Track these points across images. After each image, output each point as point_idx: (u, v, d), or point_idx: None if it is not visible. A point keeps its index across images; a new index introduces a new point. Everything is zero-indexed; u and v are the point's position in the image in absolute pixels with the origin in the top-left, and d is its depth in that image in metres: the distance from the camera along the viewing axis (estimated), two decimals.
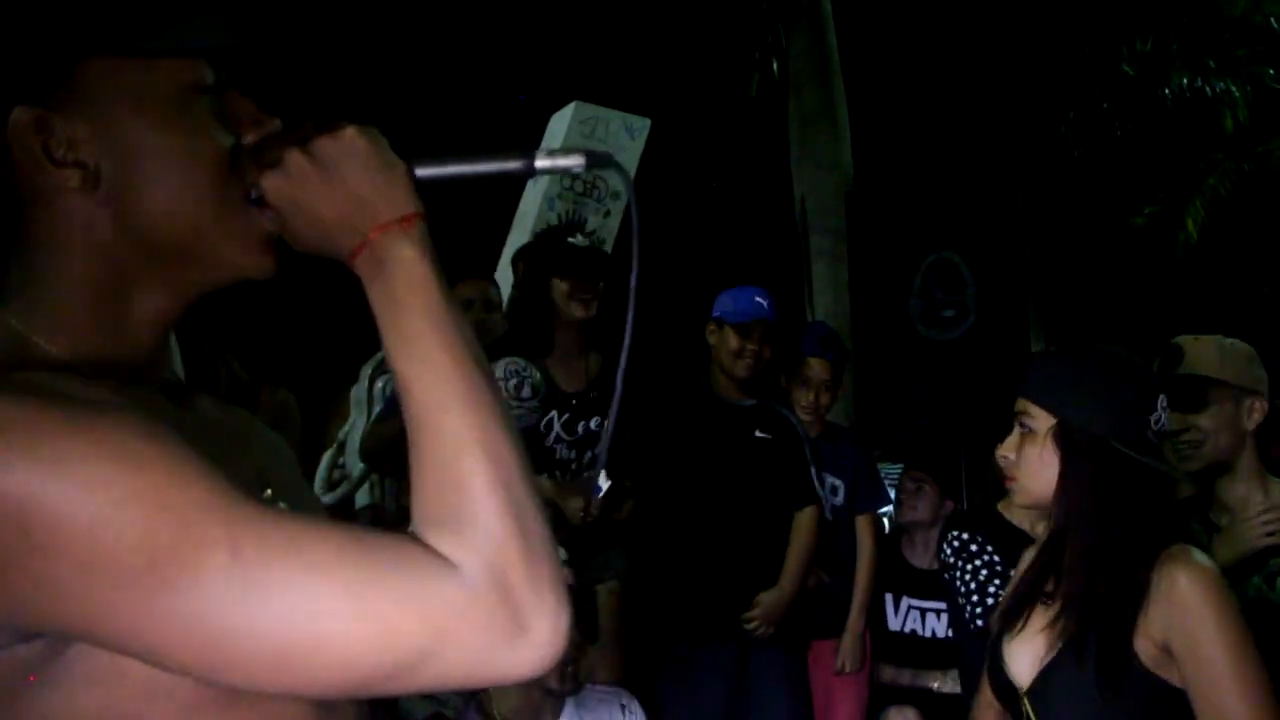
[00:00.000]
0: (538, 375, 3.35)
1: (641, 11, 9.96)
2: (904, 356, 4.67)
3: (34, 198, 0.87)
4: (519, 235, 5.60)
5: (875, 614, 4.12)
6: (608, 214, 5.94)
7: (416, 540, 0.80)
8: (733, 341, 3.75)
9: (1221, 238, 10.17)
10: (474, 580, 0.78)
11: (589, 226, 5.93)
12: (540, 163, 0.96)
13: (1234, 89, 9.93)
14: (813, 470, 3.90)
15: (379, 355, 5.71)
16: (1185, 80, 9.99)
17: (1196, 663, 1.74)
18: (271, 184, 0.92)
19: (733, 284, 3.94)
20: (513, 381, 3.29)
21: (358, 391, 5.61)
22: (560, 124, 6.00)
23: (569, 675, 2.64)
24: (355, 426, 5.55)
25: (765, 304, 3.77)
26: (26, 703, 0.78)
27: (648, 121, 6.07)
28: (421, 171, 0.94)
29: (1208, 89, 9.99)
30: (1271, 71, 9.93)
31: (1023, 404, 2.00)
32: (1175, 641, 1.76)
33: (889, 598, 4.13)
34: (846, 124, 8.63)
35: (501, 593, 0.78)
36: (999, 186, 5.36)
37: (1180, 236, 10.16)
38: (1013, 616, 1.98)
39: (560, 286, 3.45)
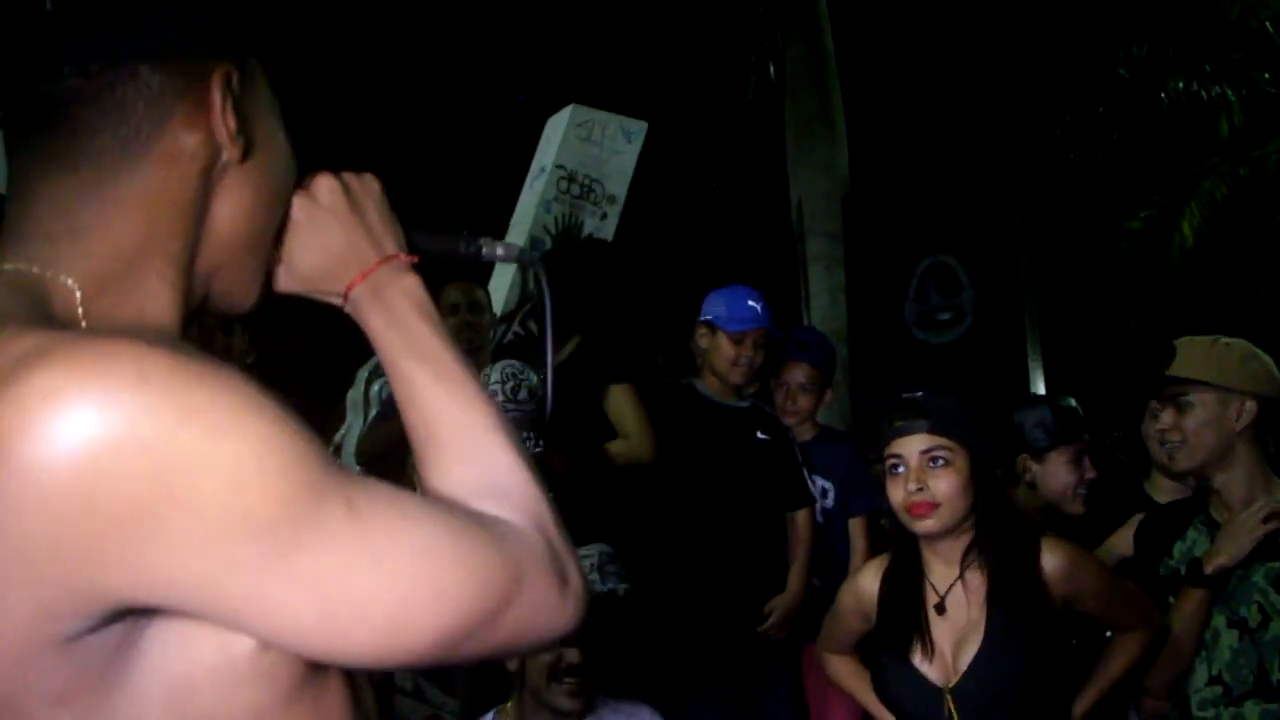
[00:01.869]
0: (534, 378, 3.36)
1: (639, 15, 9.97)
2: (900, 360, 4.67)
3: (164, 157, 0.83)
4: (515, 238, 5.61)
5: None
6: (604, 216, 5.94)
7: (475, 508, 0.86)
8: (728, 349, 3.73)
9: (1217, 241, 10.19)
10: (527, 531, 0.86)
11: (585, 229, 5.94)
12: (484, 250, 1.12)
13: (1230, 93, 9.95)
14: (805, 471, 3.91)
15: (375, 359, 5.71)
16: (1181, 84, 10.02)
17: (1097, 596, 2.35)
18: (299, 201, 0.97)
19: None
20: (509, 384, 3.30)
21: (354, 395, 5.61)
22: (557, 127, 6.01)
23: (581, 693, 2.56)
24: (351, 430, 5.55)
25: (759, 309, 3.75)
26: (106, 695, 0.73)
27: (644, 124, 6.08)
28: (414, 237, 1.05)
29: (1203, 93, 10.02)
30: (1267, 76, 9.96)
31: (931, 439, 2.29)
32: (1074, 589, 2.30)
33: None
34: (843, 128, 8.64)
35: (548, 545, 0.87)
36: (995, 190, 5.37)
37: (1176, 240, 10.18)
38: (910, 636, 2.34)
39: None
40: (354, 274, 0.98)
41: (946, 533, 2.31)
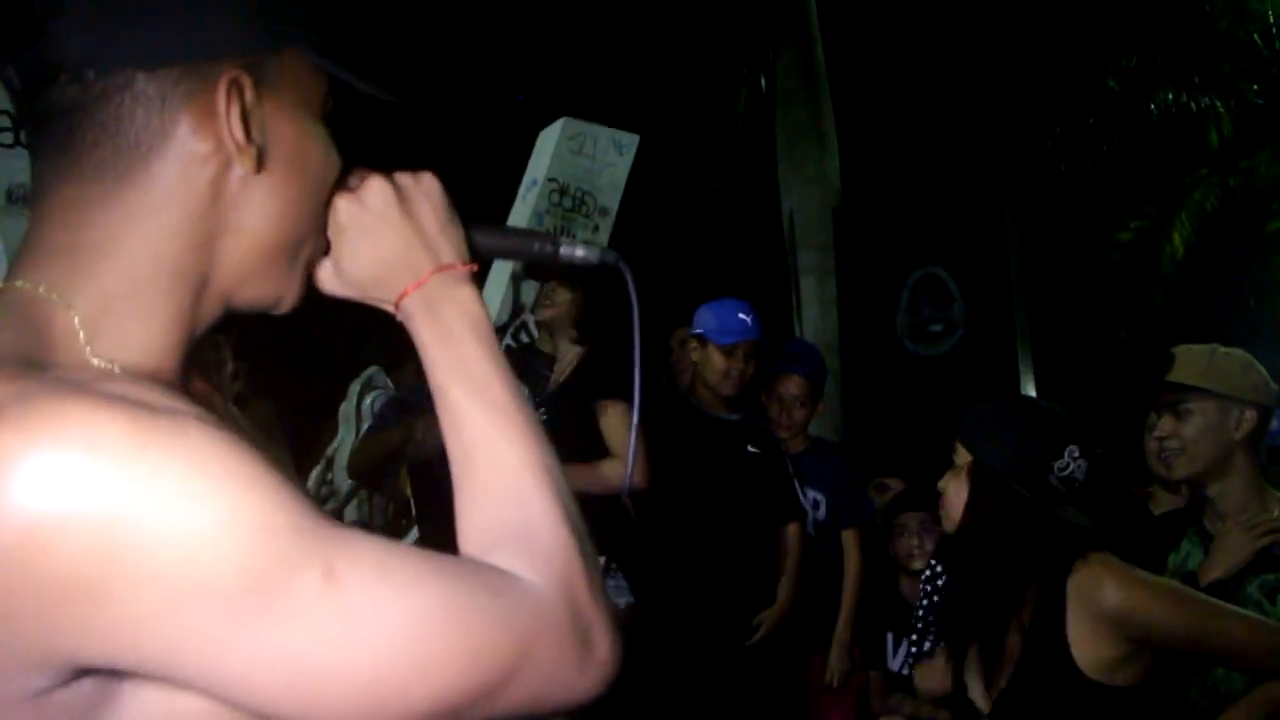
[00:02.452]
0: (525, 391, 3.36)
1: (630, 27, 9.99)
2: (892, 372, 4.67)
3: (176, 163, 0.79)
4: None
5: (875, 653, 4.05)
6: (596, 229, 5.95)
7: (483, 562, 0.80)
8: (718, 362, 3.74)
9: (1207, 252, 10.22)
10: (548, 596, 0.78)
11: (579, 239, 5.95)
12: (563, 251, 1.03)
13: (1218, 104, 9.99)
14: (797, 484, 3.92)
15: (368, 372, 5.71)
16: (1170, 96, 10.06)
17: (1186, 632, 2.02)
18: (346, 205, 0.92)
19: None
20: None
21: (346, 408, 5.61)
22: (549, 139, 6.01)
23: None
24: (343, 443, 5.55)
25: (749, 321, 3.76)
26: None
27: (636, 137, 6.09)
28: (476, 234, 0.99)
29: (1193, 104, 10.06)
30: (1255, 87, 10.00)
31: (956, 444, 2.25)
32: (1140, 635, 2.02)
33: (890, 637, 4.06)
34: (834, 140, 8.66)
35: (572, 608, 0.79)
36: (986, 202, 5.39)
37: (1166, 251, 10.20)
38: (961, 641, 2.23)
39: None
40: (406, 283, 0.93)
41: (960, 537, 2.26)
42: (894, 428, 4.64)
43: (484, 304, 0.95)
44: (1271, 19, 10.00)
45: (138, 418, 0.67)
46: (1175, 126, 10.19)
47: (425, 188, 0.95)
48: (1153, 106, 10.13)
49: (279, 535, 0.69)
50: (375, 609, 0.70)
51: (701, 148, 10.67)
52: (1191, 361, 2.56)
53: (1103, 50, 10.18)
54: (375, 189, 0.93)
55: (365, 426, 4.81)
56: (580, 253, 1.04)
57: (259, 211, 0.83)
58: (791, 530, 3.84)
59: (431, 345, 0.91)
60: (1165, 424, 2.57)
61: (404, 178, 0.94)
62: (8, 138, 3.47)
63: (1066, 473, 2.14)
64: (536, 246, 1.04)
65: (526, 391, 3.36)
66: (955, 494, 2.21)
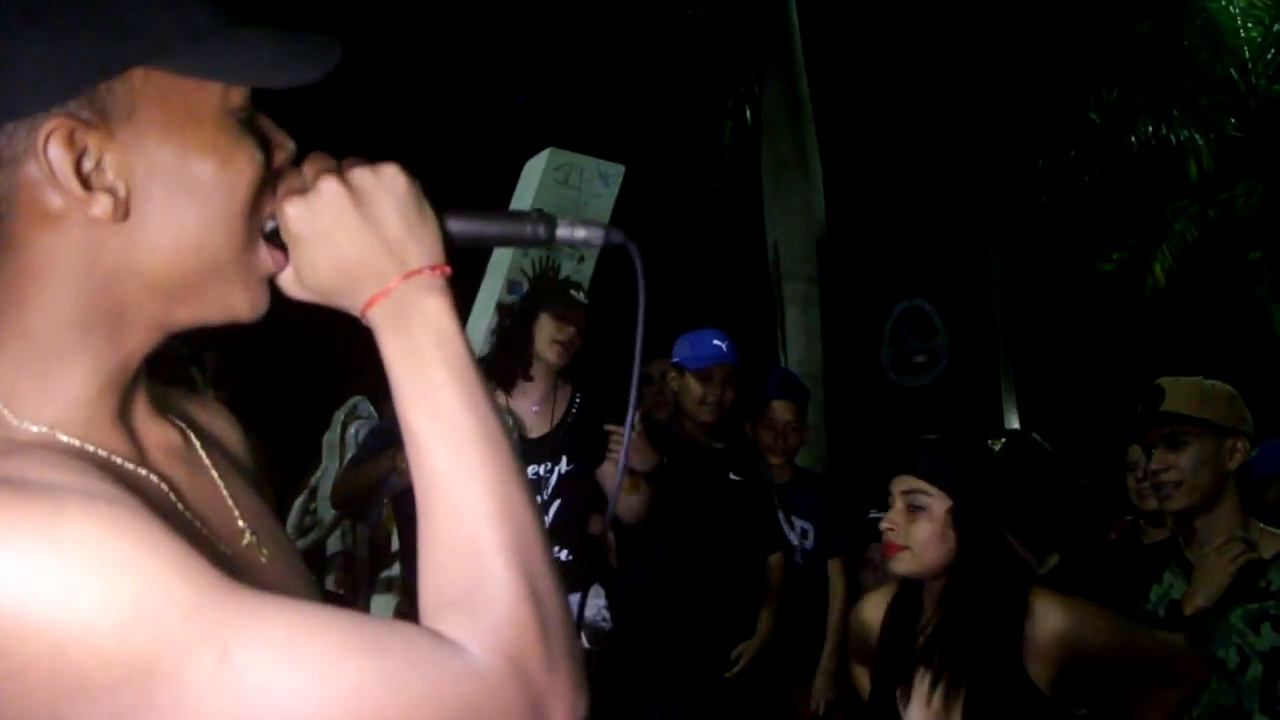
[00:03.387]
0: (509, 420, 3.34)
1: (615, 59, 10.04)
2: (876, 403, 4.69)
3: (37, 223, 0.75)
4: (493, 280, 5.60)
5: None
6: (582, 259, 5.94)
7: (424, 628, 0.73)
8: (695, 388, 3.75)
9: (1189, 283, 10.29)
10: (492, 671, 0.71)
11: (563, 272, 5.94)
12: (560, 231, 0.92)
13: (1198, 137, 10.10)
14: (780, 514, 3.92)
15: (352, 401, 5.68)
16: (1150, 128, 10.16)
17: (1116, 651, 2.22)
18: (296, 213, 0.82)
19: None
20: None
21: (330, 437, 5.58)
22: (534, 170, 6.02)
23: None
24: (327, 472, 5.51)
25: (724, 346, 3.78)
26: None
27: (622, 168, 6.10)
28: (454, 225, 0.89)
29: (1172, 137, 10.16)
30: (1233, 120, 10.11)
31: (912, 482, 2.25)
32: (1080, 650, 2.15)
33: None
34: (819, 171, 8.71)
35: (520, 682, 0.72)
36: (969, 233, 5.43)
37: (1148, 281, 10.28)
38: (902, 676, 2.25)
39: (545, 328, 3.38)
40: (370, 292, 0.83)
41: (925, 576, 2.26)
42: (878, 458, 4.64)
43: (456, 314, 0.84)
44: (1248, 54, 10.14)
45: (10, 506, 0.64)
46: (1155, 158, 10.29)
47: (386, 182, 0.84)
48: (1133, 139, 10.24)
49: (161, 620, 0.64)
50: (273, 692, 0.65)
51: (687, 179, 10.71)
52: (1185, 392, 2.53)
53: (1083, 83, 10.28)
54: (327, 192, 0.82)
55: (349, 456, 4.79)
56: (581, 233, 0.93)
57: (148, 250, 0.78)
58: (774, 561, 3.84)
59: (395, 365, 0.82)
60: (1161, 456, 2.52)
61: (361, 174, 0.83)
62: None
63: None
64: (529, 229, 0.92)
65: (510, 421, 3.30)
66: (930, 538, 2.22)
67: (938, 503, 2.22)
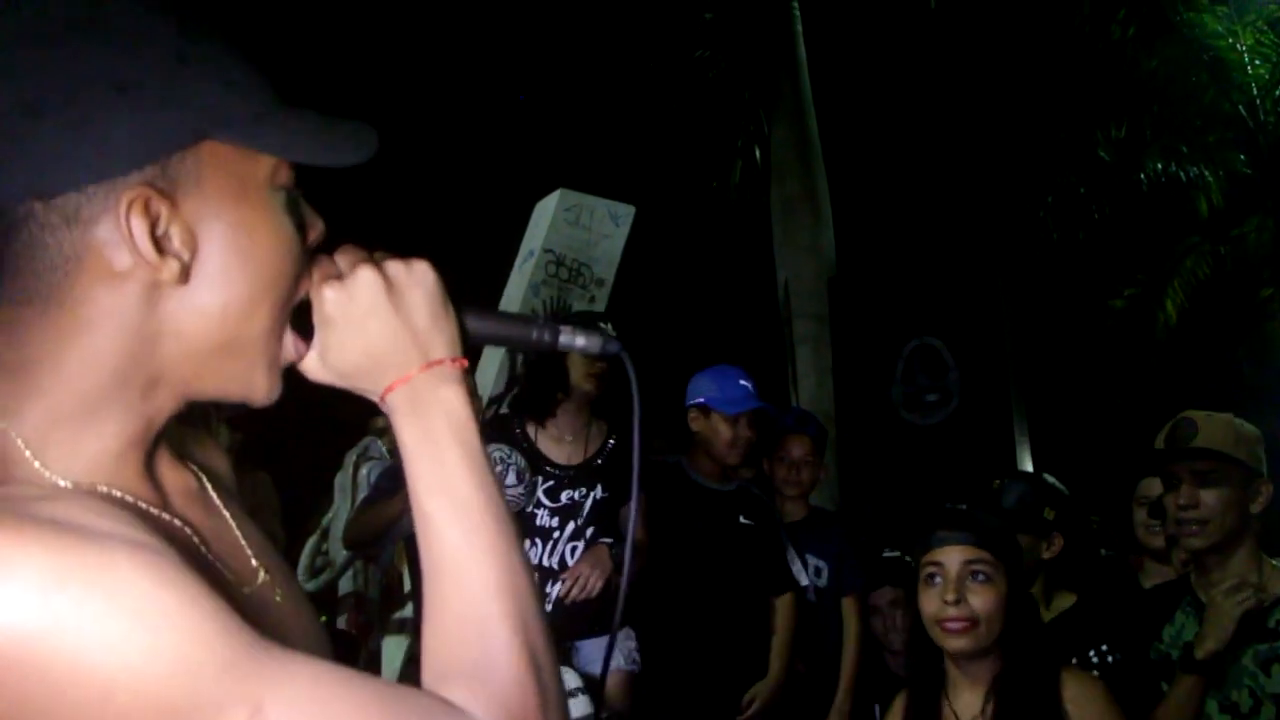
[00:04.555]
0: (522, 461, 3.36)
1: (626, 100, 10.12)
2: (888, 441, 4.68)
3: (99, 281, 0.77)
4: None
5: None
6: (591, 300, 5.97)
7: (433, 694, 0.77)
8: (724, 431, 3.72)
9: (1200, 319, 10.27)
10: None
11: (573, 312, 5.97)
12: (563, 339, 0.99)
13: (1207, 174, 10.12)
14: (791, 553, 3.90)
15: (363, 442, 5.70)
16: (1160, 165, 10.18)
17: None
18: (334, 296, 0.87)
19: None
20: (499, 469, 3.29)
21: (341, 478, 5.58)
22: (545, 211, 6.06)
23: None
24: (339, 513, 5.52)
25: (750, 387, 3.76)
26: None
27: (632, 209, 6.13)
28: (471, 322, 0.95)
29: (1182, 174, 10.18)
30: (1242, 157, 10.13)
31: (975, 552, 2.16)
32: None
33: (877, 709, 4.02)
34: (828, 210, 8.74)
35: None
36: (980, 271, 5.44)
37: (1160, 318, 10.26)
38: None
39: (578, 360, 3.44)
40: (393, 377, 0.88)
41: (978, 654, 2.15)
42: (890, 497, 4.64)
43: (470, 404, 0.90)
44: (1255, 91, 10.17)
45: (63, 546, 0.66)
46: (1165, 195, 10.31)
47: (418, 276, 0.90)
48: (1143, 176, 10.26)
49: (202, 674, 0.67)
50: None
51: (697, 219, 10.76)
52: (1220, 429, 2.45)
53: (1092, 121, 10.32)
54: (364, 280, 0.87)
55: (361, 497, 4.79)
56: (580, 342, 1.00)
57: (198, 314, 0.81)
58: (783, 602, 3.81)
59: (412, 448, 0.88)
60: (1189, 492, 2.43)
61: (395, 266, 0.89)
62: None
63: None
64: (535, 334, 0.99)
65: (518, 488, 3.36)
66: (996, 612, 2.13)
67: (1000, 574, 2.14)
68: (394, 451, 1.62)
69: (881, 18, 9.87)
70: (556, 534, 3.46)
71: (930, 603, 2.16)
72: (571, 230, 5.94)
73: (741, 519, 3.79)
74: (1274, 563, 2.49)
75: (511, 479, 3.32)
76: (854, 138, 10.15)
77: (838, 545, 4.19)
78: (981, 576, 2.13)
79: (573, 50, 10.39)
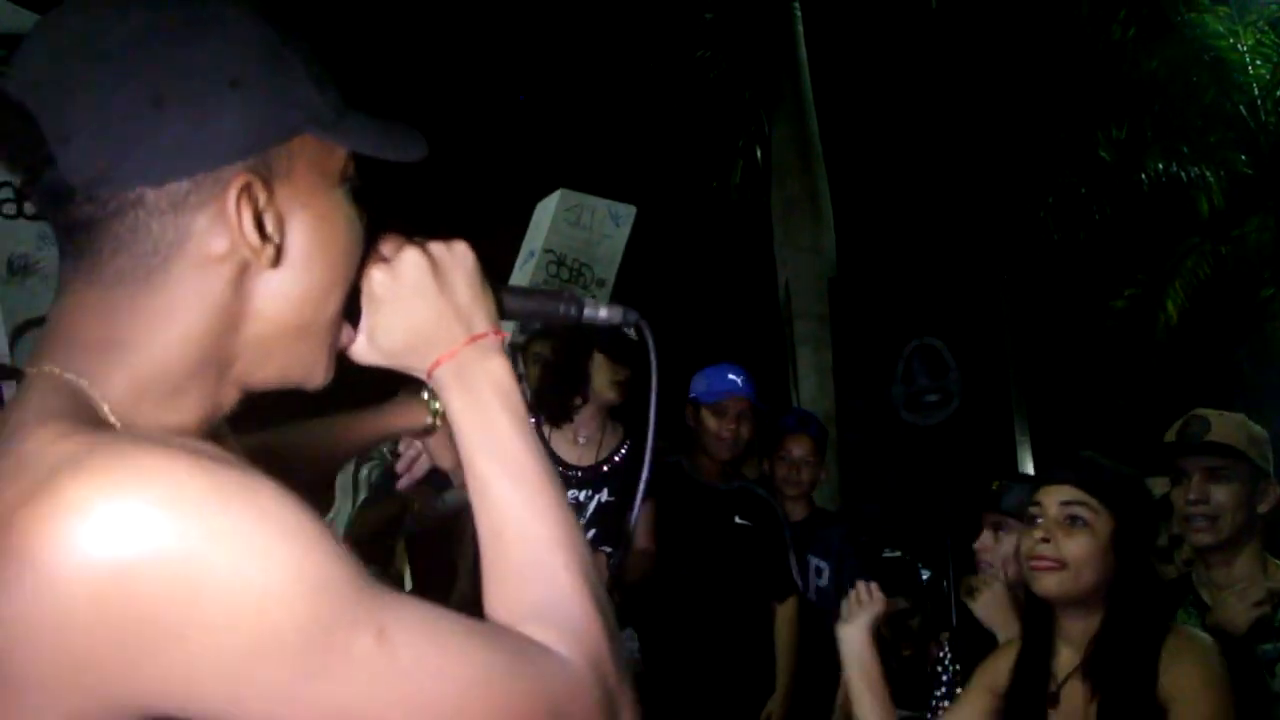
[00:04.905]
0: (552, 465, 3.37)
1: (626, 100, 10.12)
2: (889, 442, 4.68)
3: (196, 264, 0.82)
4: (505, 322, 5.63)
5: None
6: (594, 297, 5.97)
7: (519, 631, 0.82)
8: (710, 423, 3.73)
9: (1201, 319, 10.26)
10: (580, 670, 0.81)
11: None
12: (587, 311, 1.07)
13: (1208, 174, 10.11)
14: (792, 556, 3.88)
15: None
16: (1160, 165, 10.18)
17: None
18: (381, 277, 0.94)
19: None
20: None
21: (343, 479, 5.57)
22: (545, 211, 6.05)
23: None
24: (340, 513, 5.51)
25: (739, 380, 3.77)
26: None
27: (633, 208, 6.13)
28: (505, 298, 1.02)
29: (1182, 174, 10.17)
30: (1243, 157, 10.12)
31: (1073, 493, 2.05)
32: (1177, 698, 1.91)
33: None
34: (829, 211, 8.75)
35: (600, 682, 0.82)
36: (980, 272, 5.44)
37: (1160, 318, 10.25)
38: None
39: (602, 367, 3.44)
40: (440, 352, 0.95)
41: (1071, 603, 2.06)
42: (891, 498, 4.64)
43: (513, 375, 0.96)
44: (1256, 91, 10.16)
45: (217, 473, 0.71)
46: (1166, 195, 10.30)
47: (458, 256, 0.96)
48: (1143, 176, 10.25)
49: (340, 594, 0.72)
50: (424, 670, 0.73)
51: (698, 220, 10.75)
52: (1232, 426, 2.45)
53: (1093, 121, 10.31)
54: (410, 260, 0.94)
55: (362, 497, 4.79)
56: (603, 313, 1.07)
57: (281, 298, 0.85)
58: (785, 610, 3.78)
59: (462, 415, 0.93)
60: (1200, 487, 2.43)
61: (437, 247, 0.96)
62: (10, 209, 3.50)
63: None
64: (562, 308, 1.07)
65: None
66: (1090, 557, 2.01)
67: (1102, 520, 2.03)
68: (395, 453, 1.63)
69: (882, 18, 9.86)
70: None
71: (1026, 541, 2.09)
72: (572, 230, 5.94)
73: (737, 519, 3.77)
74: (1278, 563, 2.50)
75: None
76: (855, 138, 10.14)
77: (838, 545, 4.19)
78: (1079, 521, 2.03)
79: (573, 50, 10.39)
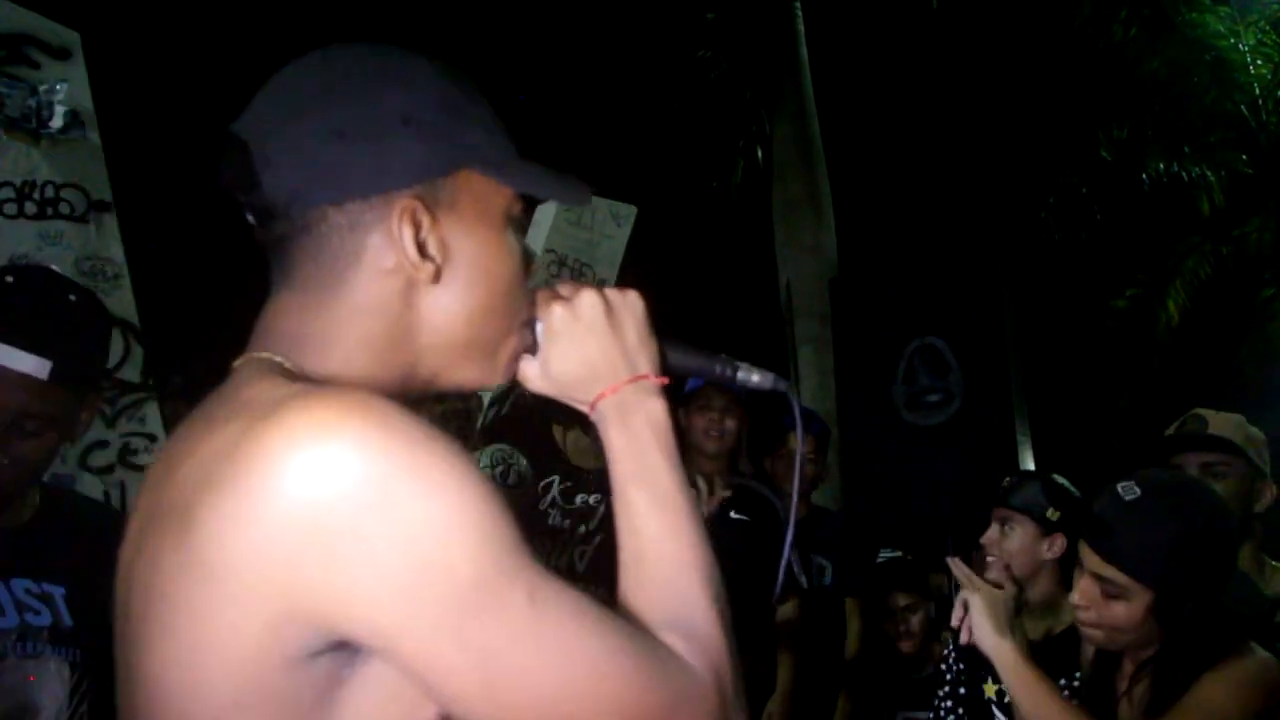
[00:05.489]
0: (524, 462, 3.37)
1: (628, 100, 10.11)
2: (890, 441, 4.67)
3: (371, 274, 0.95)
4: None
5: None
6: None
7: (652, 633, 0.90)
8: (695, 417, 3.68)
9: (1202, 318, 10.27)
10: (704, 678, 0.89)
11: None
12: (740, 374, 1.15)
13: (1209, 174, 10.11)
14: (795, 554, 3.86)
15: None
16: (1161, 166, 10.18)
17: None
18: (559, 314, 1.04)
19: None
20: (499, 469, 3.31)
21: None
22: (546, 211, 6.05)
23: None
24: None
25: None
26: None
27: (634, 208, 6.12)
28: (670, 352, 1.10)
29: (1184, 174, 10.18)
30: (1244, 157, 10.12)
31: (1106, 568, 1.95)
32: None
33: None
34: (830, 211, 8.74)
35: (720, 692, 0.90)
36: (982, 272, 5.43)
37: (1161, 318, 10.26)
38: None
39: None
40: (604, 386, 1.04)
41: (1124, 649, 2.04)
42: (892, 497, 4.63)
43: (668, 415, 1.05)
44: (1257, 91, 10.17)
45: (410, 427, 0.82)
46: (1167, 195, 10.31)
47: (630, 303, 1.07)
48: (1144, 176, 10.26)
49: (504, 548, 0.81)
50: (563, 638, 0.82)
51: (699, 219, 10.75)
52: (1229, 425, 2.46)
53: (1094, 121, 10.32)
54: (587, 301, 1.04)
55: None
56: (755, 378, 1.15)
57: (445, 313, 0.97)
58: (788, 609, 3.75)
59: (619, 448, 1.02)
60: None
61: (613, 292, 1.07)
62: (10, 209, 3.49)
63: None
64: (718, 369, 1.14)
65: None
66: (1127, 624, 1.95)
67: (1138, 594, 1.93)
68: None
69: (883, 18, 9.86)
70: (565, 536, 3.45)
71: (1074, 590, 2.03)
72: (573, 230, 5.93)
73: (732, 514, 3.74)
74: (1274, 564, 2.50)
75: (513, 479, 3.32)
76: (856, 138, 10.14)
77: (840, 545, 4.19)
78: (1111, 591, 1.95)
79: (574, 50, 10.39)
